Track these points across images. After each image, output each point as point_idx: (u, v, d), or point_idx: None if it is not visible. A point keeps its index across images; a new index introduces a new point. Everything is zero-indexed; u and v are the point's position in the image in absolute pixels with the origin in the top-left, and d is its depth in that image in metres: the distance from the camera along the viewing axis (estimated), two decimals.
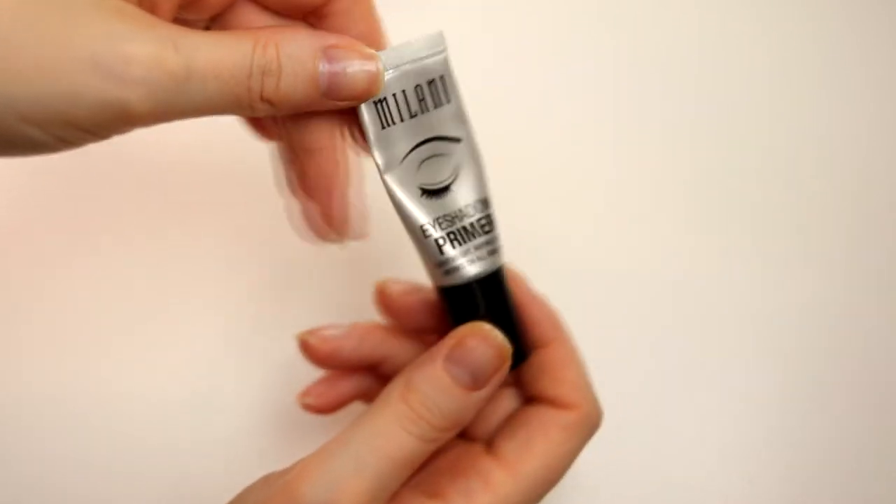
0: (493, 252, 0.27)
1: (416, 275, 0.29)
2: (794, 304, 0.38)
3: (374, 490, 0.22)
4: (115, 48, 0.19)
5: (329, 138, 0.25)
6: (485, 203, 0.27)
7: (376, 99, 0.24)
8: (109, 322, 0.36)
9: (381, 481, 0.22)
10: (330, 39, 0.22)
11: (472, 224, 0.26)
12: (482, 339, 0.25)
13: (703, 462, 0.35)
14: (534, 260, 0.31)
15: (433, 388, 0.24)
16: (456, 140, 0.26)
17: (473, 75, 0.43)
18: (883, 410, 0.36)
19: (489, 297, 0.27)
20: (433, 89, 0.25)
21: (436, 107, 0.26)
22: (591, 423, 0.27)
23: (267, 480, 0.23)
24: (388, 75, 0.24)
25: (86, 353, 0.35)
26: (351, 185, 0.25)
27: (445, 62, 0.25)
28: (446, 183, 0.26)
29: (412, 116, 0.25)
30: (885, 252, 0.39)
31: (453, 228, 0.26)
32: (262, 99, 0.21)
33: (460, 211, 0.26)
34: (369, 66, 0.23)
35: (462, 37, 0.40)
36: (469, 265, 0.26)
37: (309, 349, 0.29)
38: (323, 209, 0.25)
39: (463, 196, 0.26)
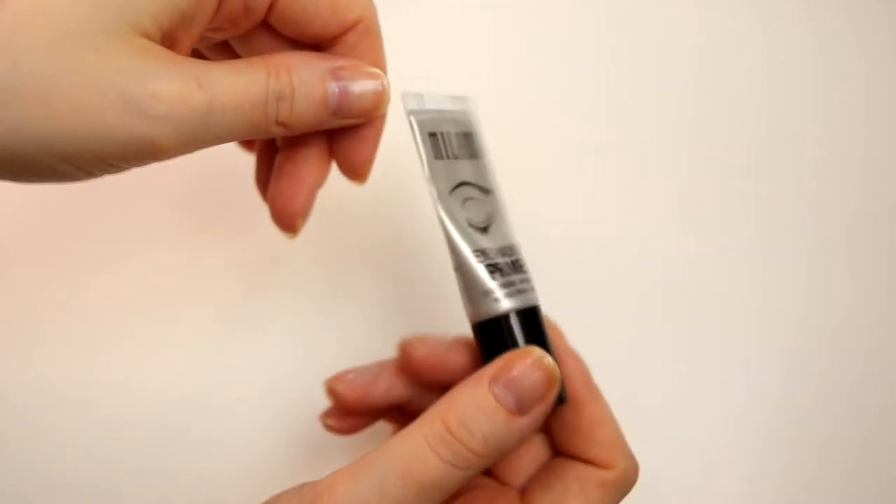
0: (531, 290, 0.27)
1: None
2: (795, 303, 0.38)
3: None
4: (143, 86, 0.20)
5: (318, 153, 0.26)
6: (514, 249, 0.28)
7: (431, 131, 0.27)
8: (116, 322, 0.36)
9: None
10: (338, 61, 0.24)
11: (507, 263, 0.27)
12: (533, 362, 0.23)
13: (703, 462, 0.35)
14: (534, 261, 0.31)
15: (475, 409, 0.22)
16: (488, 191, 0.28)
17: (471, 74, 0.43)
18: (883, 410, 0.36)
19: (531, 330, 0.27)
20: (469, 141, 0.28)
21: (470, 157, 0.28)
22: (628, 481, 0.26)
23: (300, 491, 0.22)
24: (434, 115, 0.27)
25: (92, 350, 0.35)
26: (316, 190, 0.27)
27: (476, 122, 0.28)
28: (484, 225, 0.27)
29: (455, 158, 0.27)
30: (885, 251, 0.39)
31: (494, 261, 0.27)
32: (278, 123, 0.23)
33: (498, 250, 0.27)
34: (376, 85, 0.24)
35: (458, 37, 0.40)
36: (510, 298, 0.26)
37: (338, 398, 0.28)
38: (285, 210, 0.26)
39: (497, 240, 0.28)
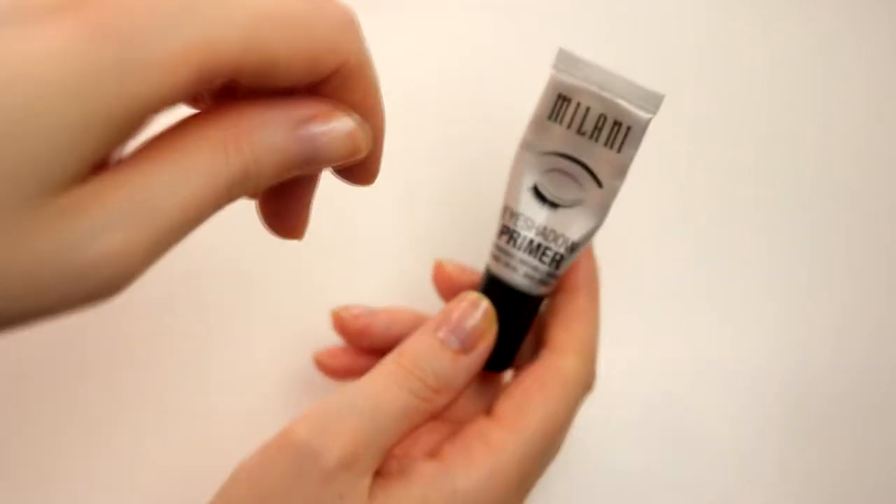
0: (545, 284, 0.28)
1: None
2: (795, 303, 0.38)
3: (367, 434, 0.23)
4: (84, 255, 0.16)
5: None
6: (573, 250, 0.27)
7: (564, 94, 0.26)
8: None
9: (374, 427, 0.23)
10: (308, 109, 0.20)
11: (548, 250, 0.27)
12: (469, 304, 0.26)
13: (702, 461, 0.35)
14: None
15: (423, 351, 0.25)
16: (599, 184, 0.26)
17: (466, 75, 0.43)
18: (883, 409, 0.36)
19: (520, 311, 0.28)
20: (615, 131, 0.26)
21: (606, 145, 0.26)
22: (586, 381, 0.28)
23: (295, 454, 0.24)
24: (589, 88, 0.25)
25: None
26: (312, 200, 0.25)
27: (646, 124, 0.25)
28: (558, 203, 0.27)
29: (578, 132, 0.26)
30: (885, 249, 0.39)
31: (533, 237, 0.27)
32: (248, 196, 0.21)
33: (550, 232, 0.27)
34: (347, 128, 0.20)
35: (450, 35, 0.39)
36: (519, 276, 0.27)
37: (341, 323, 0.30)
38: (286, 232, 0.24)
39: (562, 226, 0.27)
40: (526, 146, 0.27)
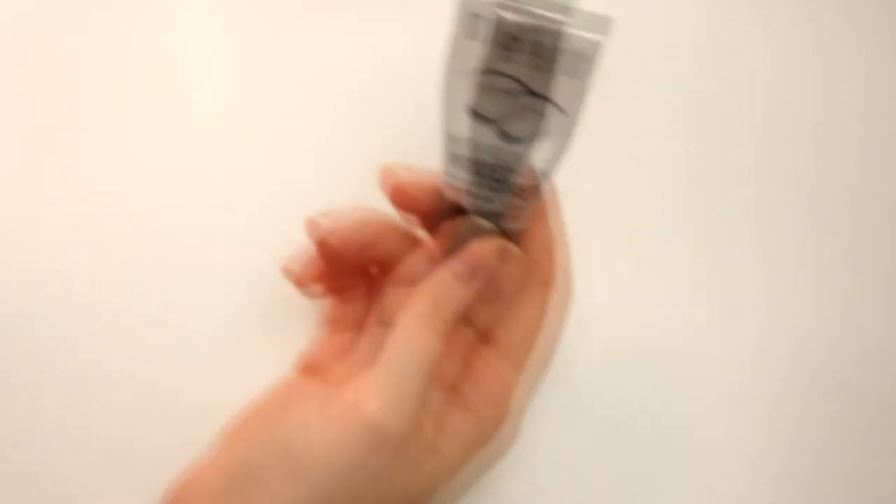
0: (501, 207, 0.28)
1: None
2: (795, 302, 0.38)
3: (420, 397, 0.26)
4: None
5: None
6: (538, 175, 0.27)
7: (474, 11, 0.24)
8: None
9: (424, 384, 0.26)
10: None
11: (496, 168, 0.27)
12: (500, 255, 0.29)
13: (701, 461, 0.35)
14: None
15: (450, 296, 0.28)
16: (561, 110, 0.25)
17: None
18: (882, 408, 0.36)
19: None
20: (546, 51, 0.24)
21: (538, 67, 0.25)
22: (566, 294, 0.33)
23: (322, 394, 0.27)
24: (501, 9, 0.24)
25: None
26: None
27: (596, 47, 0.24)
28: (503, 128, 0.26)
29: (500, 46, 0.25)
30: (885, 251, 0.39)
31: (479, 157, 0.27)
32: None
33: (494, 148, 0.27)
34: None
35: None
36: (479, 201, 0.28)
37: (315, 230, 0.30)
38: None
39: (499, 144, 0.26)
40: (449, 68, 0.25)
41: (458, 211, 0.29)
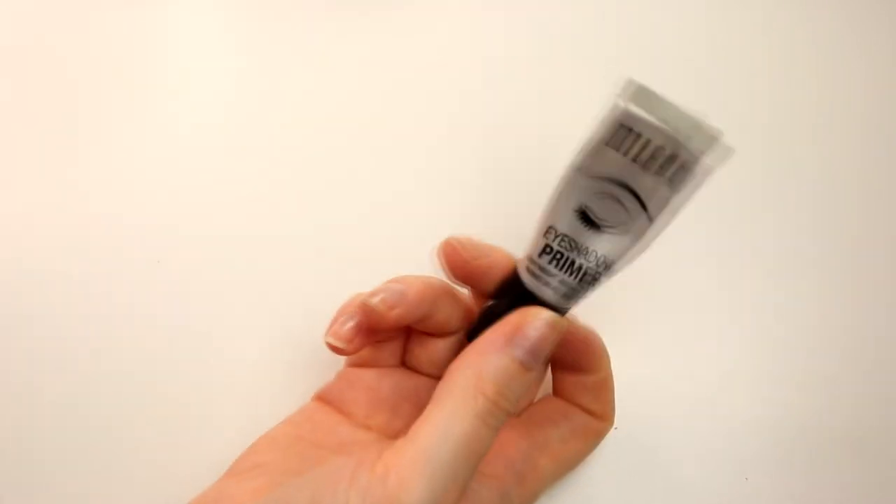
0: (574, 301, 0.28)
1: None
2: (795, 302, 0.38)
3: (464, 483, 0.24)
4: None
5: None
6: (608, 267, 0.27)
7: (628, 124, 0.25)
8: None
9: (469, 471, 0.24)
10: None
11: (588, 270, 0.27)
12: (549, 328, 0.26)
13: (701, 460, 0.35)
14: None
15: (506, 378, 0.25)
16: (648, 216, 0.26)
17: (462, 74, 0.43)
18: (882, 409, 0.36)
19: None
20: (672, 165, 0.25)
21: (657, 175, 0.25)
22: (606, 433, 0.32)
23: (355, 474, 0.24)
24: (650, 118, 0.24)
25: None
26: None
27: (708, 170, 0.25)
28: (602, 226, 0.26)
29: (633, 160, 0.25)
30: (885, 253, 0.39)
31: (575, 259, 0.27)
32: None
33: (590, 252, 0.27)
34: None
35: (450, 37, 0.39)
36: (553, 293, 0.27)
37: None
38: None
39: (604, 248, 0.27)
40: (577, 168, 0.26)
41: (515, 285, 0.28)
